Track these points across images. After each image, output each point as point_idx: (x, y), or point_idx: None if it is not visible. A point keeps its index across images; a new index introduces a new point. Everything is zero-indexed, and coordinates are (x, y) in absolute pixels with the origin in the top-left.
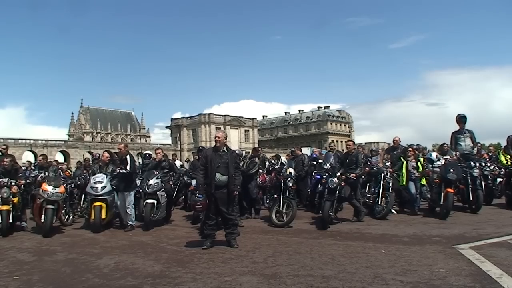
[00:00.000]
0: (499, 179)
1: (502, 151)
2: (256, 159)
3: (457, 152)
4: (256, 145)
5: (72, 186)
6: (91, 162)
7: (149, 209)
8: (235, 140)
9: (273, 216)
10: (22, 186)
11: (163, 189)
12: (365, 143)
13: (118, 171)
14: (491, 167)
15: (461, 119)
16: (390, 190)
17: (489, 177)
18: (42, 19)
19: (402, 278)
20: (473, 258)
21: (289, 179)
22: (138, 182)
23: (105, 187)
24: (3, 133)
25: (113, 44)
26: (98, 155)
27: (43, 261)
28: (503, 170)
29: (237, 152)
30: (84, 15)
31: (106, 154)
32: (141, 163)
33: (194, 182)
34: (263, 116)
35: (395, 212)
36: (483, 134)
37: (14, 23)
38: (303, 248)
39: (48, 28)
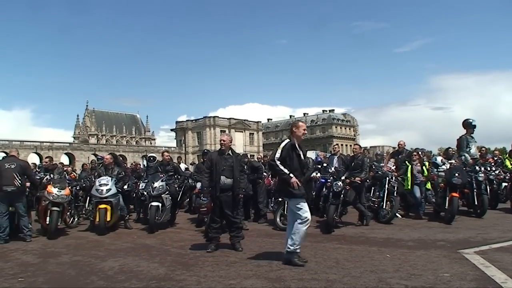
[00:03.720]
0: (504, 184)
1: (507, 155)
2: None
3: (463, 157)
4: (261, 148)
5: (77, 188)
6: (96, 164)
7: (154, 212)
8: (240, 143)
9: (278, 219)
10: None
11: (168, 192)
12: (370, 146)
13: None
14: (497, 172)
15: (470, 125)
16: (395, 194)
17: (494, 181)
18: (47, 21)
19: (407, 282)
20: (478, 263)
21: None
22: (143, 184)
23: (110, 189)
24: (10, 135)
25: (119, 46)
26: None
27: (48, 263)
28: (509, 175)
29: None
30: (89, 17)
31: (109, 157)
32: (145, 165)
33: (199, 185)
34: (268, 119)
35: (400, 216)
36: (488, 138)
37: (20, 26)
38: (308, 251)
39: (54, 30)
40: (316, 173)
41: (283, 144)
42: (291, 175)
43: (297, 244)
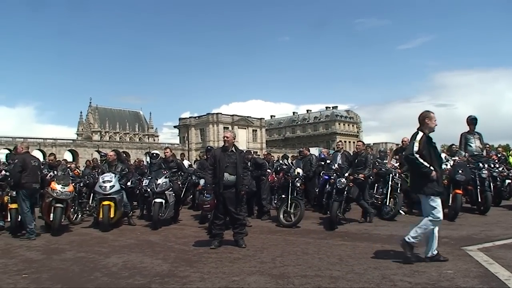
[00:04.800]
0: (507, 181)
1: (511, 152)
2: None
3: (466, 154)
4: (264, 145)
5: (81, 185)
6: (99, 161)
7: (157, 208)
8: (243, 140)
9: (281, 216)
10: None
11: (171, 189)
12: (373, 143)
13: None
14: (500, 168)
15: (472, 121)
16: (398, 191)
17: (498, 178)
18: (50, 19)
19: (410, 279)
20: (481, 260)
21: (297, 179)
22: (147, 181)
23: (113, 186)
24: (13, 132)
25: (122, 44)
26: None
27: (52, 259)
28: None
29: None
30: (92, 15)
31: (112, 153)
32: (148, 162)
33: (202, 181)
34: (271, 116)
35: (403, 213)
36: (492, 135)
37: (23, 24)
38: (311, 248)
39: (57, 28)
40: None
41: (419, 137)
42: (432, 167)
43: (418, 239)
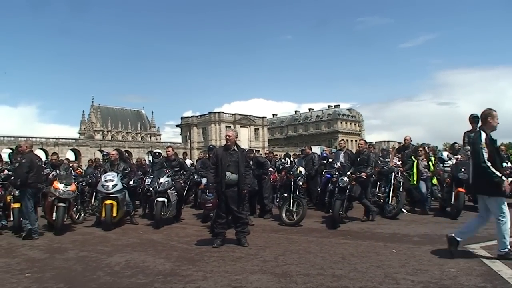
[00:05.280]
0: (510, 179)
1: None
2: None
3: (469, 152)
4: (266, 144)
5: (83, 184)
6: (101, 161)
7: (160, 207)
8: (245, 138)
9: (283, 215)
10: None
11: (173, 188)
12: (376, 142)
13: None
14: None
15: (474, 119)
16: (401, 190)
17: None
18: (52, 18)
19: (413, 277)
20: (484, 258)
21: (299, 178)
22: (149, 180)
23: (116, 185)
24: (16, 131)
25: (124, 43)
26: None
27: (55, 258)
28: None
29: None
30: (94, 14)
31: (115, 152)
32: (151, 161)
33: (204, 180)
34: (273, 115)
35: (406, 212)
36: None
37: (25, 24)
38: (313, 247)
39: (59, 27)
40: None
41: (483, 140)
42: (504, 177)
43: (507, 243)
